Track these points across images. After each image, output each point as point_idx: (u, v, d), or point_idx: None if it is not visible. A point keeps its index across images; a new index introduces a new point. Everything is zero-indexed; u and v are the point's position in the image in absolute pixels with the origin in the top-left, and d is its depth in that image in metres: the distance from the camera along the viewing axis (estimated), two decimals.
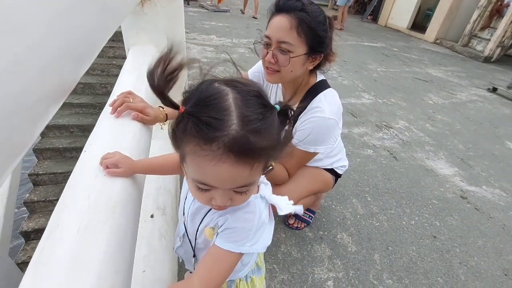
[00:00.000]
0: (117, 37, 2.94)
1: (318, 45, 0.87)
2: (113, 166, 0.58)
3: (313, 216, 1.42)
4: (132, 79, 1.10)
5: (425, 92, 3.73)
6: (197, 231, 0.57)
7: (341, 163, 1.25)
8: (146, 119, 0.84)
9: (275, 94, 1.11)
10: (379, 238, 1.42)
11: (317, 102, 0.95)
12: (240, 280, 0.66)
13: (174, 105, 0.39)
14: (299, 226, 1.38)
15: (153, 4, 1.37)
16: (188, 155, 0.39)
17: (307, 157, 1.01)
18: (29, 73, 0.31)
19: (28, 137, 0.41)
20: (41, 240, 0.44)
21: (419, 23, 8.25)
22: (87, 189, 0.54)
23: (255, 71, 1.14)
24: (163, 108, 0.94)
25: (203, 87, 0.40)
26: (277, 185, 1.09)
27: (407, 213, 1.62)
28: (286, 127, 0.44)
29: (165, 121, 0.97)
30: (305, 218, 1.39)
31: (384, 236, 1.44)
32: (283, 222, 1.41)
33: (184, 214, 0.62)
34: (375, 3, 8.71)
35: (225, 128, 0.35)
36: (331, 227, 1.44)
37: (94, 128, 0.79)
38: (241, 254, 0.50)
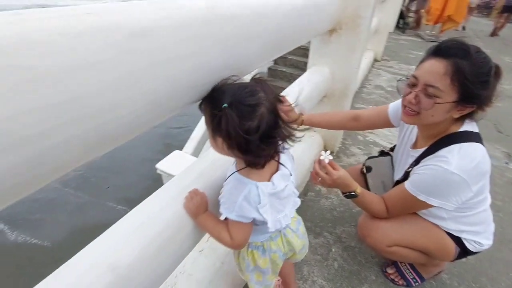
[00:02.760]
0: None
1: (472, 97, 0.80)
2: (190, 198, 0.70)
3: (419, 282, 1.22)
4: (295, 89, 1.44)
5: None
6: None
7: (475, 238, 1.02)
8: (284, 119, 1.13)
9: (409, 133, 1.08)
10: None
11: (446, 152, 0.87)
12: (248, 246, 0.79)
13: None
14: (396, 280, 1.25)
15: (338, 35, 1.64)
16: None
17: (414, 202, 0.93)
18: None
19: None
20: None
21: None
22: (159, 202, 0.68)
23: (397, 106, 1.14)
24: (302, 114, 1.20)
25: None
26: (375, 217, 1.08)
27: None
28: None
29: (301, 125, 1.22)
30: (408, 277, 1.23)
31: None
32: (380, 266, 1.32)
33: None
34: None
35: None
36: None
37: None
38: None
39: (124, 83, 0.44)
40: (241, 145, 0.58)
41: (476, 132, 0.91)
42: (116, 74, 0.42)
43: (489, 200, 1.02)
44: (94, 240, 0.59)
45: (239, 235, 0.69)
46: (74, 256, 0.55)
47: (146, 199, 0.69)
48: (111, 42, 0.40)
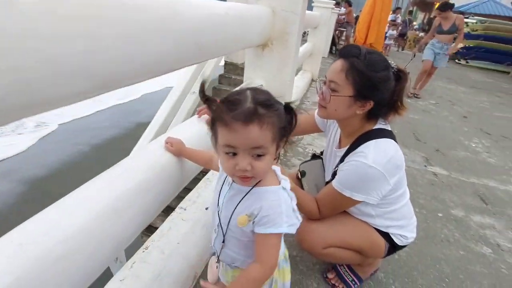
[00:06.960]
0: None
1: (367, 90, 0.89)
2: (169, 145, 0.85)
3: (358, 284, 1.23)
4: None
5: None
6: (230, 218, 0.66)
7: (401, 232, 1.07)
8: None
9: (334, 135, 1.13)
10: None
11: (363, 148, 0.93)
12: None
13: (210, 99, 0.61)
14: (336, 285, 1.24)
15: (270, 50, 1.71)
16: (219, 126, 0.57)
17: (341, 200, 0.96)
18: None
19: None
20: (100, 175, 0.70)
21: None
22: (147, 153, 0.81)
23: None
24: None
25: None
26: (310, 219, 1.07)
27: None
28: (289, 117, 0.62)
29: None
30: (348, 280, 1.23)
31: None
32: (321, 273, 1.31)
33: (218, 205, 0.71)
34: None
35: (242, 104, 0.55)
36: None
37: (184, 122, 1.13)
38: (280, 234, 0.62)
39: None
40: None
41: (388, 130, 0.98)
42: None
43: (408, 194, 1.10)
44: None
45: (276, 254, 0.64)
46: None
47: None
48: None
